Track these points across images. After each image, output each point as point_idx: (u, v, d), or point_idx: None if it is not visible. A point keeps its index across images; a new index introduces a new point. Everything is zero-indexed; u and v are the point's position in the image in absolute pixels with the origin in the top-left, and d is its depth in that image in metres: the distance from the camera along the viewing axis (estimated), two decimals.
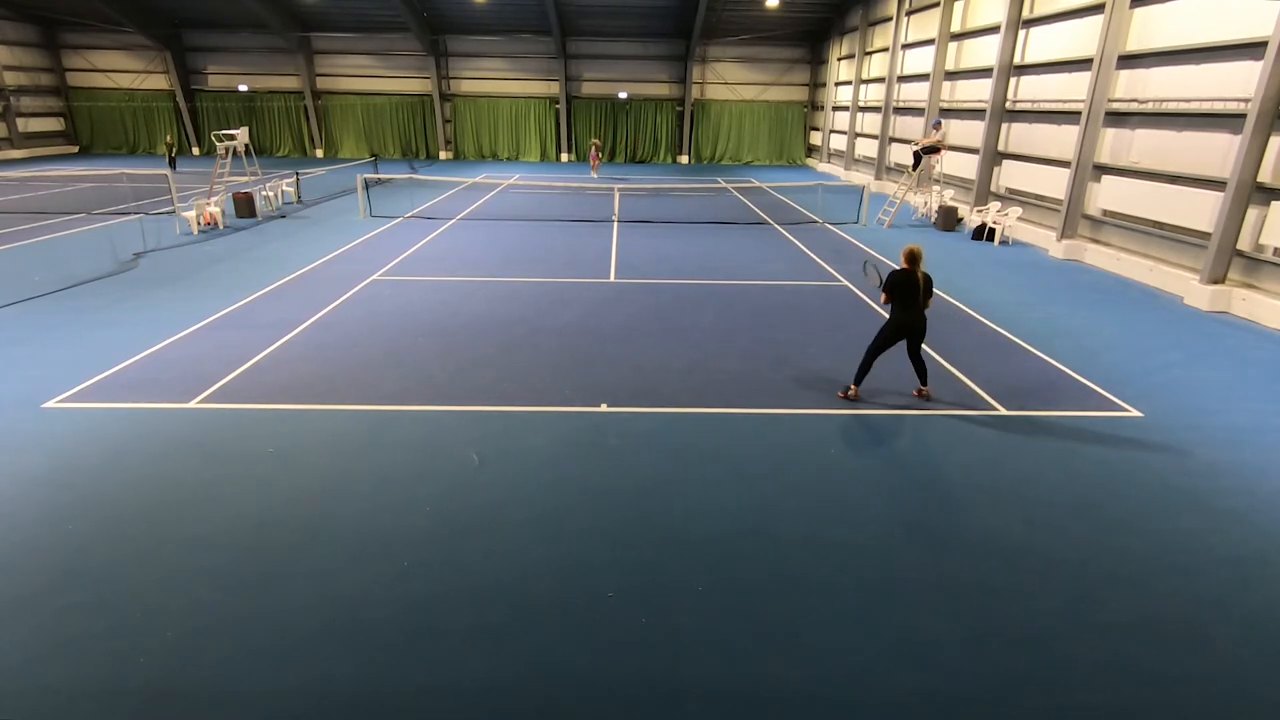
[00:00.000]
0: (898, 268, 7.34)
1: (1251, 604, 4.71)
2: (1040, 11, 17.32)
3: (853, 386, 7.70)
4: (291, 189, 21.88)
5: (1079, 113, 15.26)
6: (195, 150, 36.67)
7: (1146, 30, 13.93)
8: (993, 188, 19.39)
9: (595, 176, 29.04)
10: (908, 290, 7.24)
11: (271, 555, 5.01)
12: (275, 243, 15.67)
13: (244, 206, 18.62)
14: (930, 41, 22.85)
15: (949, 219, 18.81)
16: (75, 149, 36.84)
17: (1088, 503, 5.86)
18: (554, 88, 36.31)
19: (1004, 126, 18.93)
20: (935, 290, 7.74)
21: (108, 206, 19.87)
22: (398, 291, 11.82)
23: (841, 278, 13.25)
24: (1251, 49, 11.44)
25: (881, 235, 17.79)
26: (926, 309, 7.39)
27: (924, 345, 7.71)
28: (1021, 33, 18.06)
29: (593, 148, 30.83)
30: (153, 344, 9.07)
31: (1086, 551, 5.22)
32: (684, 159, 37.82)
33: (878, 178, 27.07)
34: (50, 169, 28.86)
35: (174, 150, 30.23)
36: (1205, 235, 12.14)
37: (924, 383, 7.79)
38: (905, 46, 25.49)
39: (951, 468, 6.38)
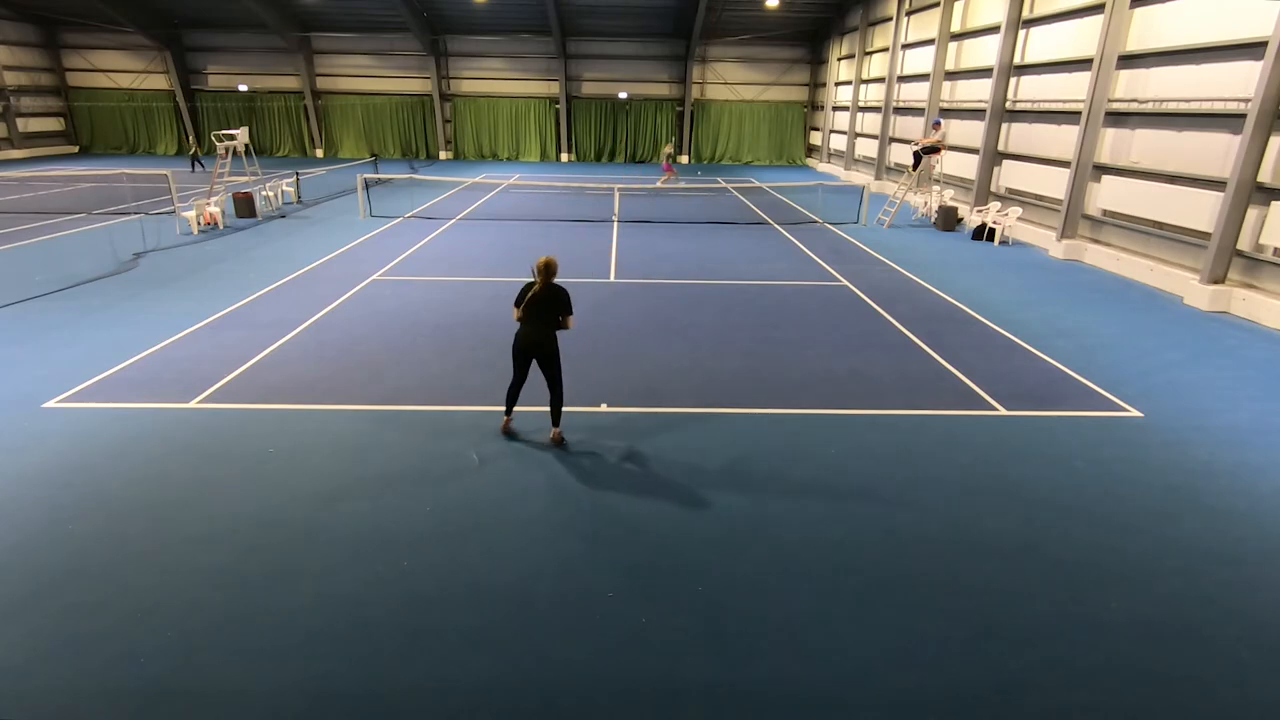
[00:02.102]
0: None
1: (1251, 604, 4.71)
2: (1040, 11, 17.32)
3: (505, 417, 6.89)
4: (291, 189, 21.87)
5: (1079, 113, 15.26)
6: (194, 150, 36.62)
7: (1146, 30, 13.93)
8: (993, 188, 19.39)
9: (664, 185, 25.42)
10: (528, 303, 6.38)
11: (271, 555, 5.01)
12: (275, 243, 15.67)
13: (244, 206, 18.62)
14: (930, 41, 22.85)
15: (949, 219, 18.81)
16: (75, 149, 36.83)
17: (1087, 503, 5.86)
18: (554, 88, 36.30)
19: (1004, 126, 18.92)
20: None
21: (108, 206, 19.87)
22: (398, 291, 11.82)
23: (841, 278, 13.25)
24: (1251, 49, 11.44)
25: (882, 235, 17.79)
26: (567, 327, 6.53)
27: (554, 373, 6.56)
28: (1021, 33, 18.06)
29: (668, 158, 26.91)
30: (153, 344, 9.07)
31: (1086, 552, 5.22)
32: (684, 159, 37.80)
33: (878, 178, 27.07)
34: (50, 169, 28.85)
35: (194, 151, 30.76)
36: (1205, 235, 12.14)
37: (554, 423, 6.71)
38: (905, 46, 25.49)
39: (951, 468, 6.38)
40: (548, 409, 6.70)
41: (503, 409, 6.87)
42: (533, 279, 6.47)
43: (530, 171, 32.12)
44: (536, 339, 6.44)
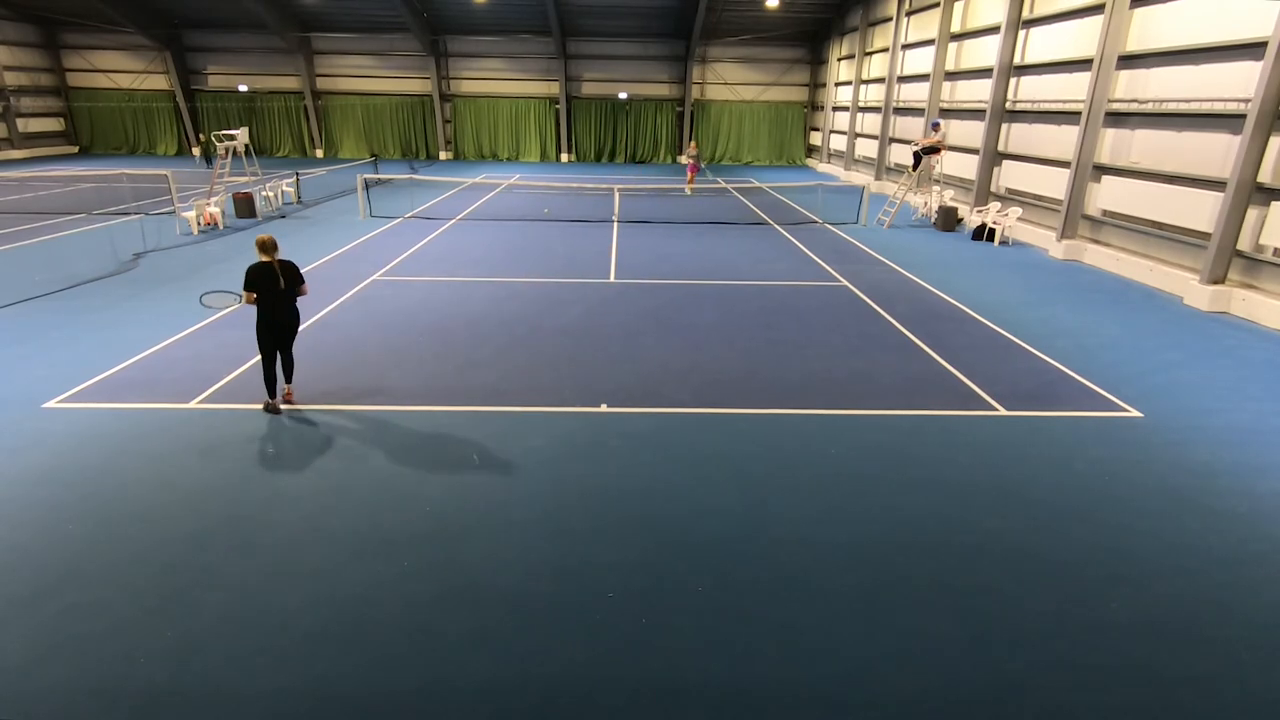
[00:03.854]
0: (255, 262, 6.72)
1: (1251, 604, 4.71)
2: (1040, 12, 17.32)
3: (268, 400, 7.12)
4: (291, 189, 21.87)
5: (1079, 113, 15.26)
6: (195, 150, 36.63)
7: (1146, 30, 13.93)
8: (993, 188, 19.38)
9: (689, 192, 24.64)
10: (268, 283, 6.70)
11: (271, 555, 5.01)
12: None
13: (244, 207, 18.62)
14: (930, 42, 22.85)
15: (949, 219, 18.81)
16: (75, 149, 36.81)
17: (1087, 503, 5.86)
18: (554, 88, 36.30)
19: (1004, 127, 18.92)
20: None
21: (108, 206, 19.86)
22: (398, 291, 11.82)
23: (841, 278, 13.25)
24: (1251, 49, 11.44)
25: (881, 235, 17.79)
26: (302, 295, 6.99)
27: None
28: (1021, 33, 18.06)
29: (694, 158, 25.27)
30: (153, 344, 9.07)
31: (1086, 552, 5.22)
32: (684, 159, 37.80)
33: (878, 178, 27.07)
34: (50, 169, 28.84)
35: (208, 148, 30.89)
36: (1205, 235, 12.14)
37: (289, 381, 7.23)
38: (905, 47, 25.49)
39: (951, 468, 6.38)
40: (547, 408, 6.69)
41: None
42: (261, 258, 6.68)
43: (530, 172, 32.11)
44: (289, 318, 6.91)
